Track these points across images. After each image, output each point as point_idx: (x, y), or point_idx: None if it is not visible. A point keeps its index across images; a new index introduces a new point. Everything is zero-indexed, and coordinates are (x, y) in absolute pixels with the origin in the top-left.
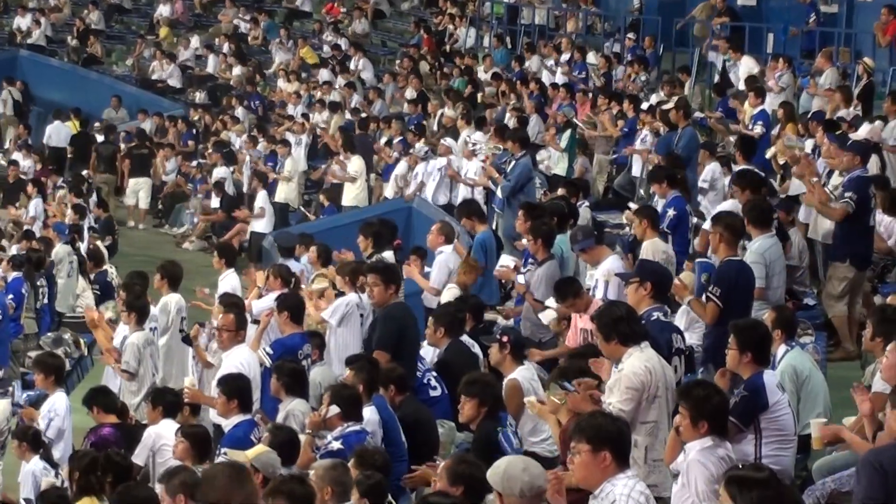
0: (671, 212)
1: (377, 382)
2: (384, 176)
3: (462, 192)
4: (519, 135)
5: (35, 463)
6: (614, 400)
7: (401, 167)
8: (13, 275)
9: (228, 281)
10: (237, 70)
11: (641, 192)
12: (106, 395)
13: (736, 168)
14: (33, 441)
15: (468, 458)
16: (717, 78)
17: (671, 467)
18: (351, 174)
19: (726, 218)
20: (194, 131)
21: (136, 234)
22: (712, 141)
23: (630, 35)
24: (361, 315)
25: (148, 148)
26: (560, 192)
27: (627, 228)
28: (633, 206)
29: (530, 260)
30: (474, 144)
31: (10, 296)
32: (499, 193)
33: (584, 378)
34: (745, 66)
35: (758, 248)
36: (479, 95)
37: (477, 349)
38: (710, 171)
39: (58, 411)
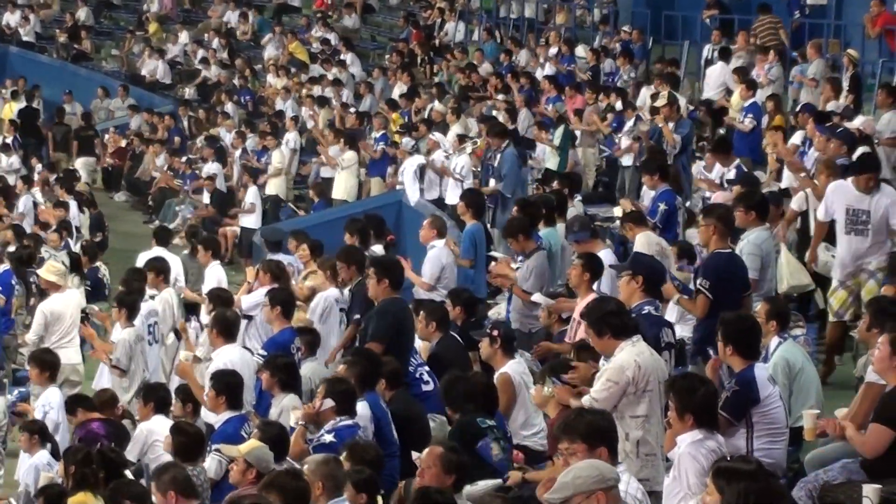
0: (662, 206)
1: (371, 377)
2: (370, 171)
3: (451, 187)
4: (495, 129)
5: (40, 457)
6: (593, 389)
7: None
8: (1, 268)
9: (214, 273)
10: (215, 70)
11: (627, 182)
12: (85, 398)
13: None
14: (42, 434)
15: (456, 446)
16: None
17: (669, 455)
18: (343, 163)
19: (719, 210)
20: (183, 127)
21: (126, 229)
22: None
23: (625, 28)
24: (342, 310)
25: (93, 129)
26: (555, 185)
27: (618, 222)
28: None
29: (519, 256)
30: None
31: None
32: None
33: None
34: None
35: (754, 240)
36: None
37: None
38: (716, 171)
39: (52, 404)
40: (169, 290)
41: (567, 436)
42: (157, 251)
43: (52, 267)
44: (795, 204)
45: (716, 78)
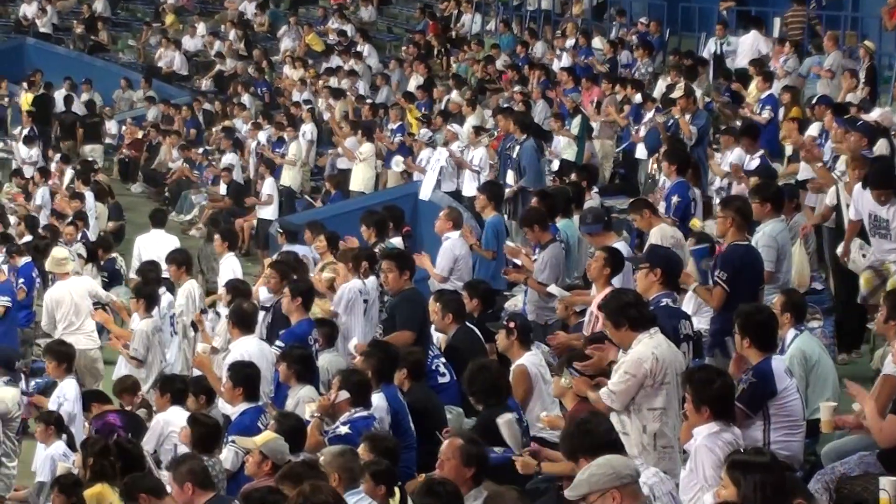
0: (675, 199)
1: (388, 369)
2: (387, 163)
3: (468, 179)
4: (520, 118)
5: (56, 447)
6: (610, 381)
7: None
8: (23, 260)
9: (228, 264)
10: (230, 62)
11: (642, 176)
12: (98, 392)
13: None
14: (57, 425)
15: (478, 439)
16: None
17: (685, 447)
18: (360, 156)
19: (737, 202)
20: (199, 119)
21: (143, 220)
22: (732, 126)
23: (642, 20)
24: (365, 301)
25: (99, 116)
26: (574, 177)
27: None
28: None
29: (535, 248)
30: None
31: (21, 280)
32: (510, 181)
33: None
34: (746, 45)
35: (770, 231)
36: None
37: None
38: (736, 156)
39: (67, 396)
40: (191, 282)
41: (563, 453)
42: (155, 234)
43: (52, 257)
44: (828, 199)
45: (749, 45)
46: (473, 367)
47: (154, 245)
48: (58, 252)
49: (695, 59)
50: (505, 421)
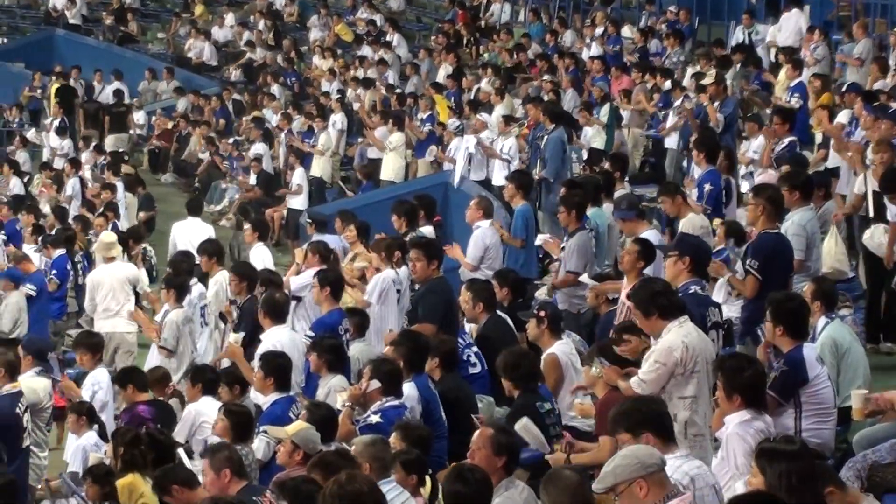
0: (707, 187)
1: (418, 359)
2: (417, 152)
3: (497, 168)
4: (550, 108)
5: (88, 437)
6: (641, 370)
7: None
8: (57, 252)
9: (258, 253)
10: (260, 52)
11: (668, 169)
12: (139, 373)
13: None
14: (89, 415)
15: (510, 428)
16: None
17: (717, 435)
18: (390, 145)
19: (769, 190)
20: (228, 109)
21: (174, 210)
22: (758, 114)
23: (671, 8)
24: (398, 290)
25: (125, 106)
26: (606, 166)
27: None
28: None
29: (565, 236)
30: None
31: (54, 271)
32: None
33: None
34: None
35: (799, 220)
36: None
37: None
38: (760, 144)
39: (101, 384)
40: (222, 273)
41: (613, 428)
42: (191, 221)
43: (100, 241)
44: (857, 187)
45: (793, 24)
46: (515, 353)
47: (189, 233)
48: (106, 237)
49: (733, 47)
50: (522, 426)
